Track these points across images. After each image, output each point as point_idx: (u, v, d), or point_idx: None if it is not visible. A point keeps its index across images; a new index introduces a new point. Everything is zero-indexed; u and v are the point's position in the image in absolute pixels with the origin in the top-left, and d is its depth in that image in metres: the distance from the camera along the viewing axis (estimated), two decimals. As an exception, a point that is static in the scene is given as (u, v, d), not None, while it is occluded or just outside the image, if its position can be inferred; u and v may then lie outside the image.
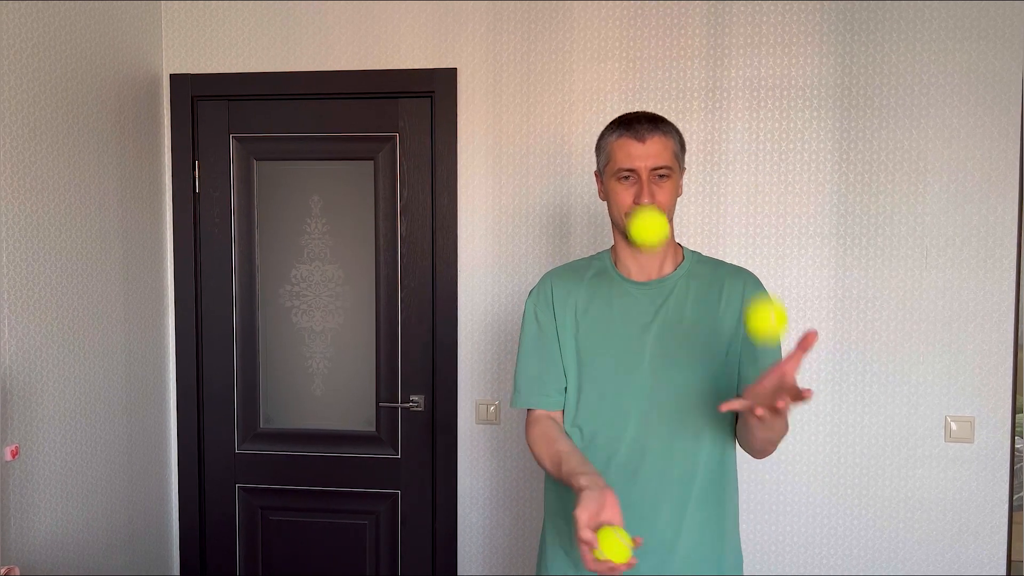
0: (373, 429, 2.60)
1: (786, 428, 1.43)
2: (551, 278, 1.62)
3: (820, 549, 2.38)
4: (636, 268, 1.55)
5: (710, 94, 2.37)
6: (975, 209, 2.28)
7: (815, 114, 2.34)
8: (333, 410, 2.62)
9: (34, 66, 1.99)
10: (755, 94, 2.36)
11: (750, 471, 2.39)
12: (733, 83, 2.36)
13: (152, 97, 2.54)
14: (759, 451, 1.50)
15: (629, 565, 1.21)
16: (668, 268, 1.56)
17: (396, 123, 2.52)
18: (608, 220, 1.57)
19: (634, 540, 1.23)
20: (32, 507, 1.98)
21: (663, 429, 1.50)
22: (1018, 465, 2.36)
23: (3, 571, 1.78)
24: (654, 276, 1.55)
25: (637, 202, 1.45)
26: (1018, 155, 2.27)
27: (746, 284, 1.55)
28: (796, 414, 2.37)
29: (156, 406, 2.58)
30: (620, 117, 1.52)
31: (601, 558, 1.20)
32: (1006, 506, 2.31)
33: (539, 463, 1.54)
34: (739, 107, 2.36)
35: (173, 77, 2.57)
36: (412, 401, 2.56)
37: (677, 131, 1.51)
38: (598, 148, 1.55)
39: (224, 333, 2.62)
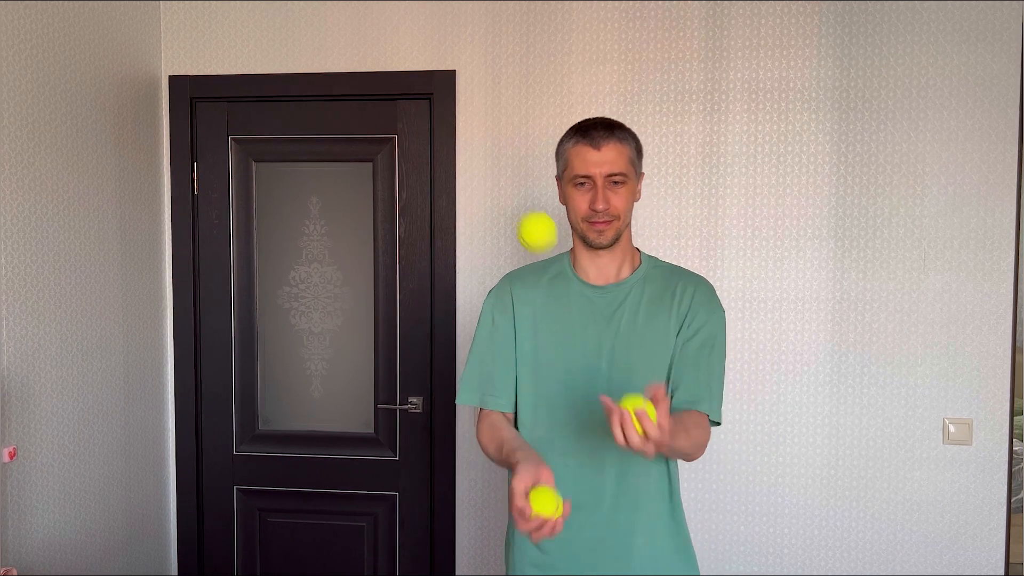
0: (371, 431, 2.59)
1: (689, 446, 1.47)
2: (511, 280, 1.65)
3: (818, 551, 2.38)
4: (594, 272, 1.58)
5: (708, 96, 2.38)
6: (973, 211, 2.29)
7: (813, 116, 2.34)
8: (331, 412, 2.62)
9: (33, 67, 1.99)
10: (753, 96, 2.36)
11: (748, 472, 2.39)
12: (731, 85, 2.36)
13: (151, 98, 2.54)
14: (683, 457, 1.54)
15: (557, 523, 1.23)
16: (625, 272, 1.59)
17: (395, 125, 2.52)
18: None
19: (565, 502, 1.25)
20: (30, 509, 1.97)
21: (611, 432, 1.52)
22: (1016, 467, 2.36)
23: (1, 572, 1.78)
24: (612, 280, 1.58)
25: (593, 207, 1.49)
26: (1016, 158, 2.27)
27: (696, 290, 1.58)
28: (795, 415, 2.37)
29: (154, 407, 2.57)
30: (577, 124, 1.56)
31: (533, 516, 1.22)
32: (1004, 508, 2.31)
33: (486, 453, 1.56)
34: (737, 109, 2.36)
35: (172, 78, 2.57)
36: (410, 403, 2.56)
37: (634, 137, 1.55)
38: (557, 154, 1.58)
39: (222, 334, 2.62)
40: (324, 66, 2.51)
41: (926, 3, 2.28)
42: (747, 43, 2.36)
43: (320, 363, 2.61)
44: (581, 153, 1.50)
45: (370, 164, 2.55)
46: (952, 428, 2.31)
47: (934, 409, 2.32)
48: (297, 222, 2.59)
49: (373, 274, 2.57)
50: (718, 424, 1.56)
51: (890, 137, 2.31)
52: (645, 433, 1.19)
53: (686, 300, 1.56)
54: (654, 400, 1.21)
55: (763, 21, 2.35)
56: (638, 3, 2.39)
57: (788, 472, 2.38)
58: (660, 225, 2.40)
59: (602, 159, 1.48)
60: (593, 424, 1.52)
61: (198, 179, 2.60)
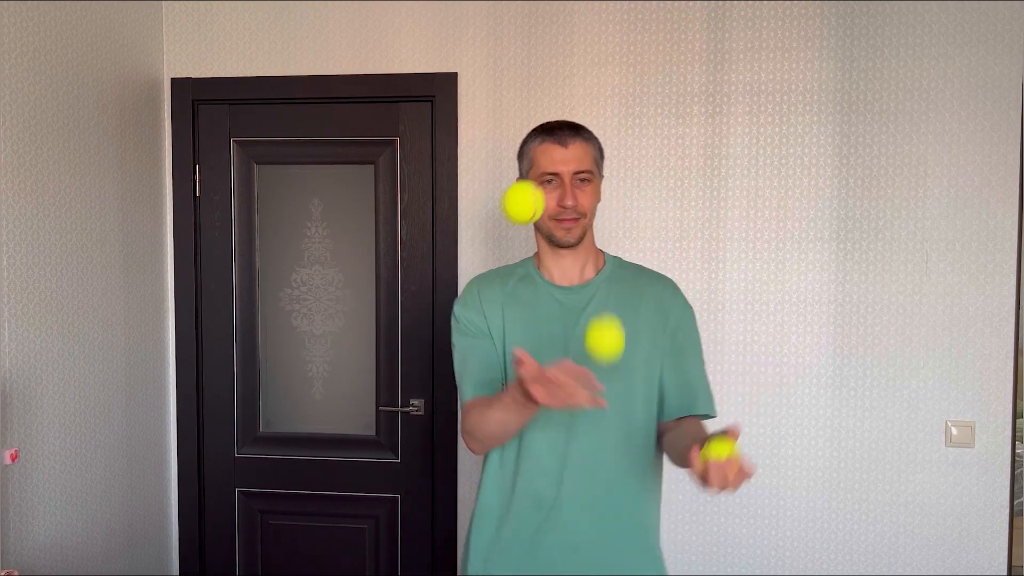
0: (373, 433, 2.59)
1: None
2: (477, 284, 1.64)
3: (821, 554, 2.37)
4: (559, 273, 1.59)
5: (710, 98, 2.38)
6: (975, 213, 2.28)
7: (815, 118, 2.34)
8: (333, 414, 2.62)
9: (35, 70, 2.00)
10: (755, 98, 2.36)
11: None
12: (733, 87, 2.36)
13: (153, 101, 2.54)
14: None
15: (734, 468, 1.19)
16: (590, 273, 1.60)
17: (396, 127, 2.52)
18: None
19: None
20: (31, 511, 1.97)
21: (585, 433, 1.53)
22: (1019, 470, 2.36)
23: (3, 574, 1.78)
24: (577, 281, 1.59)
25: (561, 205, 1.50)
26: (1018, 159, 2.27)
27: (664, 291, 1.60)
28: (797, 418, 2.37)
29: (156, 410, 2.57)
30: (541, 125, 1.57)
31: (714, 457, 1.18)
32: (1007, 511, 2.31)
33: (472, 433, 1.52)
34: (739, 111, 2.36)
35: (174, 81, 2.58)
36: (412, 405, 2.56)
37: (596, 139, 1.57)
38: (520, 154, 1.59)
39: (224, 336, 2.62)
40: (326, 68, 2.51)
41: (928, 4, 2.28)
42: (749, 45, 2.36)
43: (322, 365, 2.61)
44: (548, 151, 1.51)
45: (372, 166, 2.55)
46: (954, 431, 2.30)
47: (936, 411, 2.31)
48: (299, 224, 2.59)
49: (375, 276, 2.57)
50: (714, 415, 1.59)
51: (892, 139, 2.31)
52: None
53: (654, 302, 1.57)
54: (731, 435, 1.22)
55: (765, 23, 2.35)
56: (640, 5, 2.39)
57: (790, 474, 2.38)
58: (662, 227, 2.40)
59: (569, 156, 1.50)
60: (560, 424, 1.53)
61: (200, 181, 2.60)
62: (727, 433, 1.22)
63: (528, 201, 1.39)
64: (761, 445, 2.38)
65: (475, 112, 2.46)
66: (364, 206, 2.56)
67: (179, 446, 2.64)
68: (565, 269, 1.59)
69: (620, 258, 1.66)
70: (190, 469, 2.64)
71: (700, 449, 1.21)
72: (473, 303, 1.61)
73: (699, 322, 2.36)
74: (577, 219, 1.52)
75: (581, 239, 1.55)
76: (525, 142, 1.58)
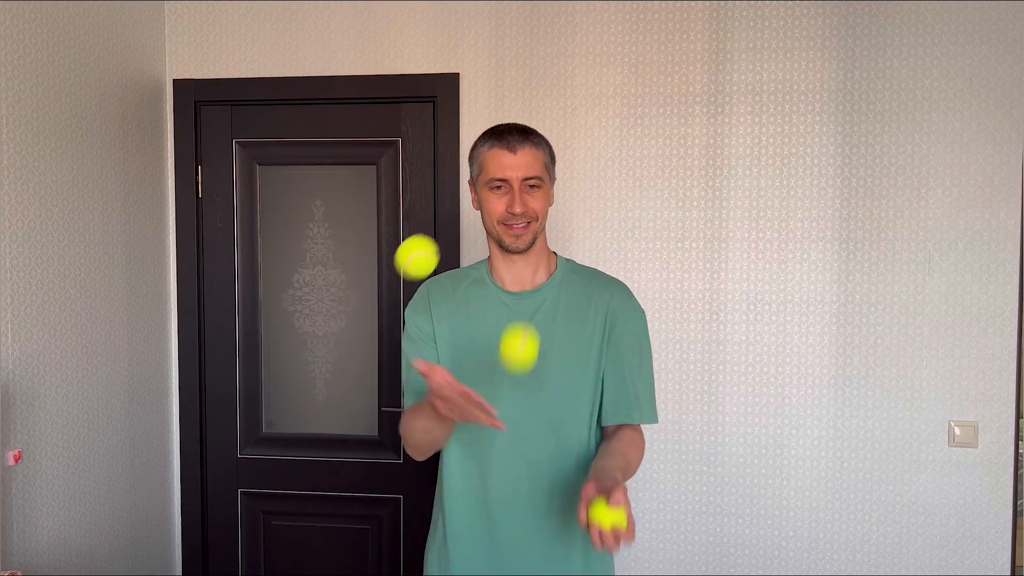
0: (376, 433, 2.59)
1: (636, 462, 1.51)
2: (430, 287, 1.65)
3: (823, 554, 2.37)
4: (510, 278, 1.59)
5: (712, 99, 2.38)
6: (978, 213, 2.28)
7: (817, 118, 2.34)
8: (336, 414, 2.62)
9: (37, 71, 2.00)
10: (757, 99, 2.36)
11: (753, 475, 2.38)
12: (735, 87, 2.36)
13: (155, 102, 2.55)
14: None
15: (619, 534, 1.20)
16: (541, 278, 1.59)
17: (398, 128, 2.52)
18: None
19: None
20: (34, 512, 1.98)
21: (531, 438, 1.53)
22: (1022, 470, 2.35)
23: (6, 575, 1.78)
24: (527, 287, 1.58)
25: (510, 211, 1.50)
26: (1020, 159, 2.26)
27: (613, 296, 1.58)
28: (799, 418, 2.36)
29: (158, 410, 2.58)
30: (492, 128, 1.56)
31: (595, 521, 1.21)
32: (1010, 511, 2.31)
33: (406, 437, 1.55)
34: (741, 111, 2.36)
35: (176, 82, 2.58)
36: (414, 405, 2.56)
37: (547, 143, 1.56)
38: (471, 158, 1.58)
39: (227, 337, 2.62)
40: (328, 69, 2.52)
41: (930, 4, 2.28)
42: (751, 45, 2.36)
43: (324, 366, 2.61)
44: (497, 156, 1.50)
45: (374, 167, 2.55)
46: (957, 431, 2.30)
47: (939, 411, 2.31)
48: (301, 225, 2.59)
49: (377, 277, 2.57)
50: (655, 423, 1.59)
51: (894, 139, 2.31)
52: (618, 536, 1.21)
53: (603, 307, 1.57)
54: (611, 497, 1.21)
55: (767, 23, 2.35)
56: (641, 5, 2.39)
57: (793, 475, 2.38)
58: (664, 227, 2.40)
59: (518, 162, 1.49)
60: (506, 432, 1.52)
61: (202, 182, 2.60)
62: (611, 498, 1.21)
63: (420, 262, 1.38)
64: (764, 445, 2.38)
65: (477, 112, 2.46)
66: (366, 207, 2.57)
67: (182, 447, 2.64)
68: (516, 274, 1.58)
69: (573, 261, 1.66)
70: (193, 470, 2.64)
71: (591, 503, 1.23)
72: (422, 306, 1.61)
73: (700, 322, 2.39)
74: (527, 224, 1.51)
75: (531, 244, 1.54)
76: (475, 146, 1.57)
